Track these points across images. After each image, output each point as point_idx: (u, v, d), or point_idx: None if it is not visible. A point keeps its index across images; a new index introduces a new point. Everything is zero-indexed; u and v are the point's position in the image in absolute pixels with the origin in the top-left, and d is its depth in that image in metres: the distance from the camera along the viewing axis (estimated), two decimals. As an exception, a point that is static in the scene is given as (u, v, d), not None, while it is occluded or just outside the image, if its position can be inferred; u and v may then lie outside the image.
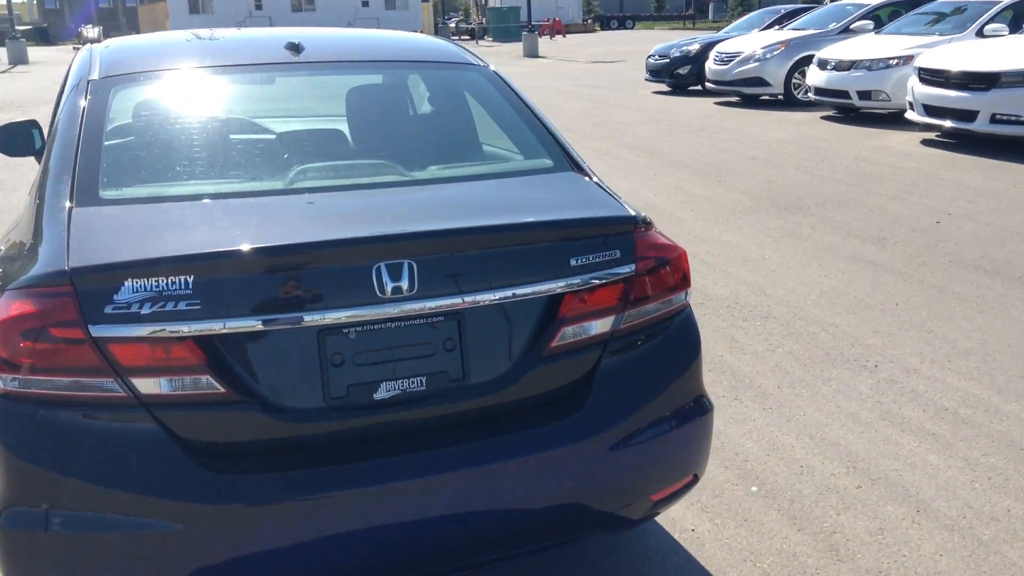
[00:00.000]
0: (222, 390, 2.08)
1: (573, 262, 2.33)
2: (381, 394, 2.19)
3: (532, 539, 2.36)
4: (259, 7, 43.63)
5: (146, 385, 2.06)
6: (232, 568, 2.07)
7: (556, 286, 2.31)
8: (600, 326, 2.38)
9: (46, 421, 2.03)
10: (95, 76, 2.87)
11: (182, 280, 2.06)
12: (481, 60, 3.33)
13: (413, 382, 2.21)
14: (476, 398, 2.27)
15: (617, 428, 2.35)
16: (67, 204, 2.36)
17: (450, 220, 2.40)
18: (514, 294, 2.27)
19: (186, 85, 2.98)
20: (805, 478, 3.40)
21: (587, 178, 2.76)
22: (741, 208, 7.71)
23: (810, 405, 4.01)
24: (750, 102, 15.31)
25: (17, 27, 35.86)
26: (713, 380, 4.24)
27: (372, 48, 3.50)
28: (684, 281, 2.56)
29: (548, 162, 2.85)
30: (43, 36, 48.96)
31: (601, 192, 2.66)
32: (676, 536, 3.06)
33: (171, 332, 2.04)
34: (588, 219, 2.49)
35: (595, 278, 2.35)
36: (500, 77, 3.20)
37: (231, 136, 2.89)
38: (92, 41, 3.34)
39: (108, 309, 2.03)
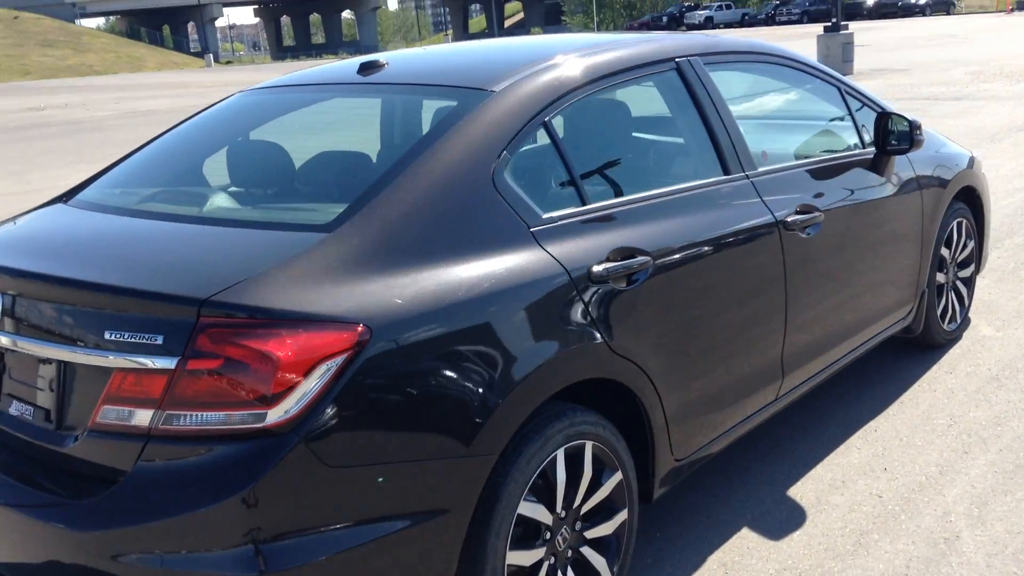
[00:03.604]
0: None
1: (107, 335, 2.06)
2: (12, 411, 2.32)
3: None
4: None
5: None
6: None
7: (93, 357, 2.09)
8: (138, 418, 2.02)
9: None
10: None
11: None
12: (498, 86, 2.62)
13: (27, 410, 2.28)
14: (55, 445, 2.19)
15: (107, 535, 2.00)
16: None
17: (53, 261, 2.35)
18: (77, 354, 2.13)
19: (246, 103, 3.27)
20: None
21: (302, 244, 2.16)
22: None
23: None
24: None
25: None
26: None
27: (429, 71, 3.13)
28: (275, 398, 1.93)
29: (328, 217, 2.28)
30: None
31: (260, 263, 2.09)
32: None
33: None
34: (132, 290, 2.08)
35: (128, 360, 2.02)
36: (473, 108, 2.54)
37: (198, 154, 3.07)
38: None
39: None
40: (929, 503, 3.17)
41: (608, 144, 3.14)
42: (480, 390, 2.19)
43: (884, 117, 3.70)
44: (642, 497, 2.79)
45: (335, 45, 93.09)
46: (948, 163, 4.28)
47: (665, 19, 65.66)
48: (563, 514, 2.45)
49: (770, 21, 58.23)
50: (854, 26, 28.46)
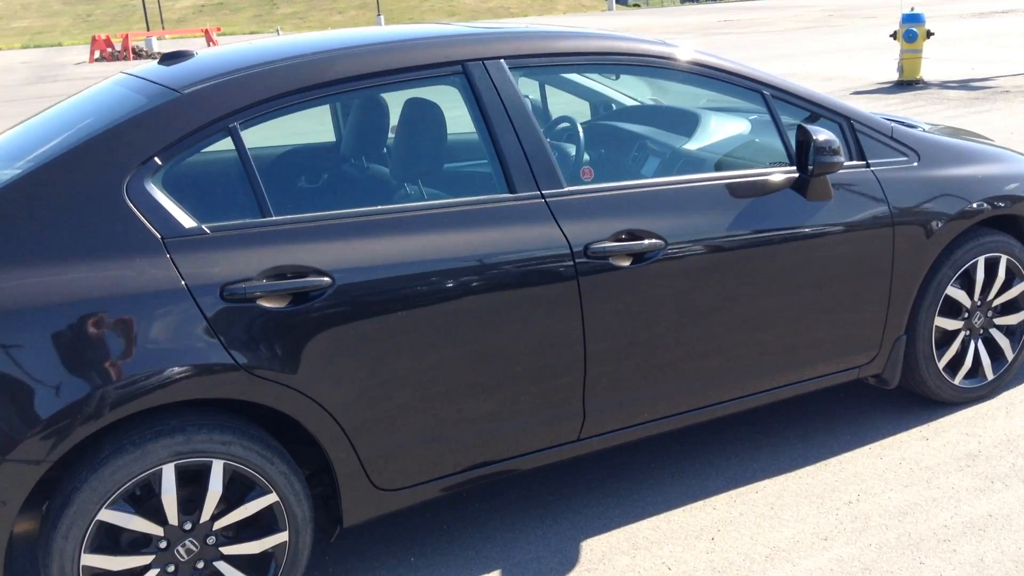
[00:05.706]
0: None
1: None
2: None
3: None
4: None
5: None
6: None
7: None
8: None
9: None
10: None
11: None
12: (189, 88, 2.61)
13: None
14: None
15: None
16: None
17: None
18: None
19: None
20: None
21: None
22: None
23: None
24: None
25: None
26: None
27: (191, 68, 2.89)
28: None
29: None
30: None
31: None
32: None
33: None
34: None
35: None
36: (144, 109, 2.56)
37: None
38: None
39: None
40: (710, 589, 2.73)
41: (328, 155, 2.98)
42: (28, 401, 2.25)
43: (803, 130, 3.10)
44: (338, 520, 2.74)
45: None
46: (965, 185, 3.46)
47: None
48: (187, 527, 2.49)
49: None
50: None
